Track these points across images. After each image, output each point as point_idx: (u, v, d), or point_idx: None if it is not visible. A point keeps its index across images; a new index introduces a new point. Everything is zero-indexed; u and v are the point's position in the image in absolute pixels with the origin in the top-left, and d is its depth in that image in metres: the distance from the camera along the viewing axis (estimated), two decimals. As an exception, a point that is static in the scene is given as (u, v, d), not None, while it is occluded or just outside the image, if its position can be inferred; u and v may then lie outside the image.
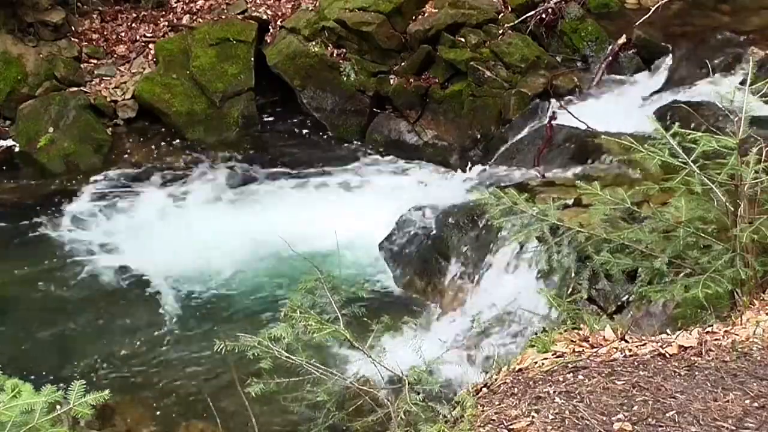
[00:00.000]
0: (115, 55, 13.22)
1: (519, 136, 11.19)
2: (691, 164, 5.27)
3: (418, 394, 4.80)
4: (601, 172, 9.55)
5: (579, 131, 10.42)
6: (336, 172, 11.96)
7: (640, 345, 4.40)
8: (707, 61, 10.76)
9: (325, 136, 12.65)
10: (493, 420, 3.87)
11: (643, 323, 6.59)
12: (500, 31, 12.29)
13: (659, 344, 4.37)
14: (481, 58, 12.01)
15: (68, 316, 9.74)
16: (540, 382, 4.10)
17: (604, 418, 3.78)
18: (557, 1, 12.37)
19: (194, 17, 13.49)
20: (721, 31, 11.90)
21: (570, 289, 6.81)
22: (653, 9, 11.92)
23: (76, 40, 13.15)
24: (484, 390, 4.24)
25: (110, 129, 12.66)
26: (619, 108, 11.05)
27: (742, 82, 6.63)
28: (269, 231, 9.82)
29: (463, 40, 12.18)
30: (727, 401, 3.87)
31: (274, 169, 12.14)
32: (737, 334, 4.46)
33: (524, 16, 12.36)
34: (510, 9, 12.64)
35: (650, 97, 11.16)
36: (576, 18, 12.39)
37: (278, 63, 12.68)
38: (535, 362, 4.35)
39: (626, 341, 4.49)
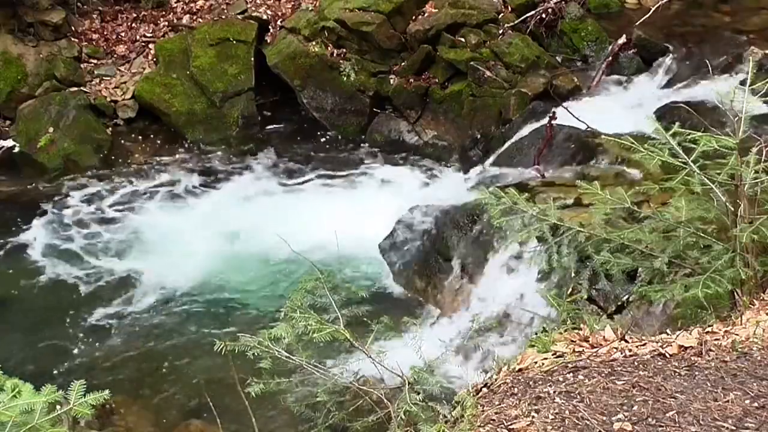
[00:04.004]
0: (115, 55, 13.22)
1: (519, 136, 11.19)
2: (691, 164, 5.27)
3: (418, 394, 4.80)
4: (601, 172, 9.55)
5: (579, 131, 10.42)
6: (336, 172, 11.97)
7: (640, 345, 4.40)
8: (707, 61, 10.77)
9: (325, 136, 12.65)
10: (493, 420, 3.87)
11: (643, 323, 6.59)
12: (500, 31, 12.29)
13: (659, 344, 4.36)
14: (481, 58, 12.01)
15: (68, 316, 9.74)
16: (540, 382, 4.10)
17: (604, 418, 3.78)
18: (557, 1, 12.37)
19: (194, 17, 13.49)
20: (721, 31, 11.92)
21: (570, 289, 6.81)
22: (653, 9, 11.94)
23: (76, 40, 13.14)
24: (484, 390, 4.24)
25: (110, 129, 12.66)
26: (619, 108, 11.06)
27: (742, 82, 6.63)
28: (269, 231, 9.82)
29: (463, 40, 12.19)
30: (727, 401, 3.87)
31: (274, 170, 12.14)
32: (737, 334, 4.46)
33: (524, 16, 12.38)
34: (510, 9, 12.65)
35: (650, 97, 11.17)
36: (576, 18, 12.40)
37: (278, 63, 12.67)
38: (535, 362, 4.35)
39: (626, 341, 4.48)
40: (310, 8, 13.06)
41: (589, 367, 4.19)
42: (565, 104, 10.87)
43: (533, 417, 3.81)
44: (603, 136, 9.85)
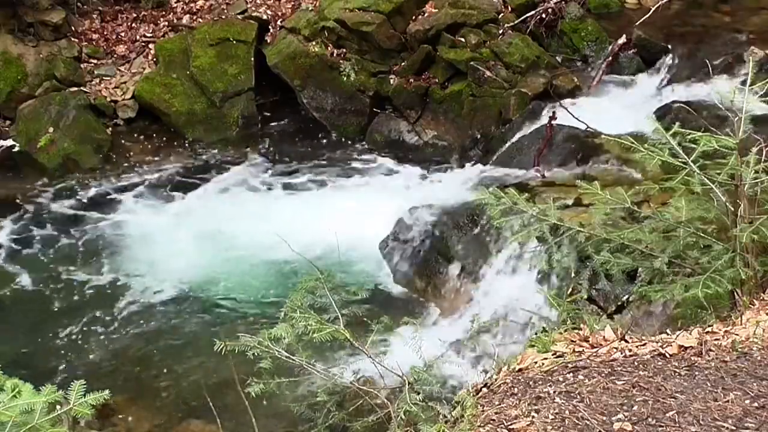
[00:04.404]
0: (115, 55, 13.21)
1: (519, 136, 11.19)
2: (691, 164, 5.28)
3: (418, 394, 4.80)
4: (601, 172, 9.55)
5: (579, 131, 10.42)
6: (336, 172, 11.97)
7: (640, 345, 4.40)
8: (707, 61, 10.77)
9: (326, 136, 12.65)
10: (493, 420, 3.87)
11: (643, 323, 6.60)
12: (500, 31, 12.29)
13: (659, 344, 4.37)
14: (481, 58, 12.01)
15: (67, 315, 9.74)
16: (540, 382, 4.10)
17: (604, 418, 3.78)
18: (557, 1, 12.37)
19: (194, 17, 13.49)
20: (721, 31, 11.92)
21: (570, 289, 6.81)
22: (653, 9, 11.94)
23: (76, 40, 13.14)
24: (484, 390, 4.24)
25: (110, 129, 12.65)
26: (619, 108, 11.06)
27: (743, 82, 6.63)
28: (269, 231, 9.82)
29: (463, 40, 12.18)
30: (727, 401, 3.87)
31: (274, 169, 12.14)
32: (737, 334, 4.46)
33: (524, 16, 12.37)
34: (510, 9, 12.64)
35: (650, 98, 11.17)
36: (576, 18, 12.39)
37: (278, 63, 12.67)
38: (535, 362, 4.35)
39: (626, 341, 4.48)
40: (310, 8, 13.06)
41: (589, 367, 4.19)
42: (565, 104, 10.87)
43: (533, 417, 3.81)
44: (603, 136, 9.85)
